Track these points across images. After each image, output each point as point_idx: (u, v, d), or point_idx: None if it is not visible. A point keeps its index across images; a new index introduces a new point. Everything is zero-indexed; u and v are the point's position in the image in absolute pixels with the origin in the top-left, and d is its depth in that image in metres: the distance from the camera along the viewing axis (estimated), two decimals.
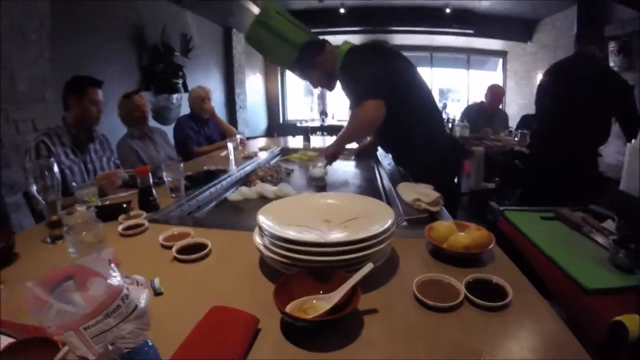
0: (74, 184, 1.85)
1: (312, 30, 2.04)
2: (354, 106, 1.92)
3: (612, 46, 4.77)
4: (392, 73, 1.85)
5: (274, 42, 1.94)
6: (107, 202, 1.60)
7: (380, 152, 2.58)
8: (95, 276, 0.54)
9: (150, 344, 0.62)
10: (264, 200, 1.74)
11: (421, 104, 1.96)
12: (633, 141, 1.43)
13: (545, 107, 2.89)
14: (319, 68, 1.97)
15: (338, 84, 2.08)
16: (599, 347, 0.92)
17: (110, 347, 0.50)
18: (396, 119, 1.79)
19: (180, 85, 5.11)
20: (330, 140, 3.85)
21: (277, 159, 2.95)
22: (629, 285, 1.06)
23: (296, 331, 0.75)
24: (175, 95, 5.11)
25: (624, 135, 2.66)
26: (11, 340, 0.68)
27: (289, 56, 1.94)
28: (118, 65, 4.20)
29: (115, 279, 0.55)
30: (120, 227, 1.30)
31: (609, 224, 1.41)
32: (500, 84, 8.26)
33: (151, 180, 1.54)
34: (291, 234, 0.94)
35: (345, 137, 2.01)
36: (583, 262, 1.20)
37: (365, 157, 2.56)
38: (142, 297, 0.57)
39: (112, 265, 0.57)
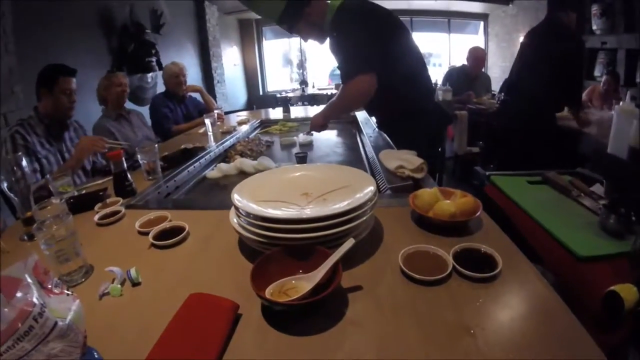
0: (47, 176, 1.77)
1: None
2: (343, 74, 1.86)
3: (594, 9, 4.70)
4: (383, 41, 1.77)
5: None
6: (83, 192, 1.53)
7: (362, 117, 2.53)
8: (23, 286, 0.48)
9: (96, 355, 0.57)
10: (243, 175, 1.69)
11: (410, 71, 1.89)
12: (621, 103, 1.41)
13: (512, 72, 3.03)
14: (308, 20, 1.86)
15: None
16: (594, 317, 0.90)
17: None
18: (384, 87, 1.73)
19: (154, 64, 4.90)
20: (311, 109, 3.77)
21: (256, 132, 2.87)
22: (620, 252, 1.04)
23: (277, 315, 0.71)
24: (149, 75, 4.91)
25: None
26: None
27: (278, 8, 1.83)
28: (87, 51, 4.03)
29: (27, 295, 0.48)
30: (96, 217, 1.24)
31: (597, 188, 1.39)
32: (482, 47, 8.19)
33: (125, 165, 1.47)
34: (266, 211, 0.89)
35: (335, 108, 1.99)
36: (573, 228, 1.18)
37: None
38: (71, 310, 0.52)
39: (27, 276, 0.50)
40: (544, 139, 2.67)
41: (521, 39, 3.58)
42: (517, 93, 2.89)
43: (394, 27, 1.88)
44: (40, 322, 0.47)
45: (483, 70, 5.06)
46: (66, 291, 0.57)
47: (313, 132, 2.14)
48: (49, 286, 0.55)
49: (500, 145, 3.28)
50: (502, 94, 4.15)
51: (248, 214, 0.88)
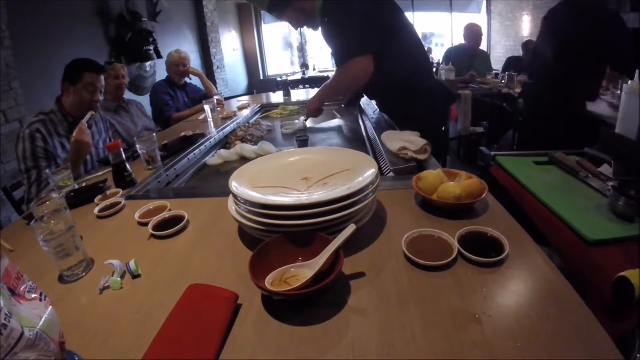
0: (47, 170, 1.74)
1: None
2: (338, 59, 1.80)
3: None
4: (377, 21, 1.72)
5: None
6: (84, 184, 1.51)
7: (363, 99, 2.49)
8: None
9: None
10: (245, 161, 1.66)
11: (407, 50, 1.84)
12: (630, 82, 1.36)
13: (536, 55, 2.80)
14: (297, 6, 1.82)
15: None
16: (603, 303, 0.87)
17: None
18: (381, 67, 1.69)
19: (152, 52, 4.86)
20: (313, 92, 3.72)
21: (257, 116, 2.84)
22: (630, 235, 1.01)
23: (278, 304, 0.69)
24: (148, 63, 4.87)
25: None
26: None
27: None
28: (85, 42, 4.00)
29: None
30: (96, 209, 1.22)
31: (606, 169, 1.35)
32: (485, 26, 8.05)
33: (124, 155, 1.44)
34: (265, 198, 0.86)
35: (329, 91, 1.96)
36: (582, 210, 1.15)
37: (351, 106, 2.49)
38: (42, 318, 0.49)
39: None
40: (575, 126, 2.44)
41: (525, 17, 3.41)
42: (545, 78, 2.66)
43: (388, 6, 1.83)
44: (5, 333, 0.44)
45: (482, 48, 4.96)
46: (37, 296, 0.55)
47: (309, 118, 2.11)
48: (22, 291, 0.53)
49: (525, 131, 3.12)
50: (507, 73, 4.09)
51: (246, 202, 0.86)
